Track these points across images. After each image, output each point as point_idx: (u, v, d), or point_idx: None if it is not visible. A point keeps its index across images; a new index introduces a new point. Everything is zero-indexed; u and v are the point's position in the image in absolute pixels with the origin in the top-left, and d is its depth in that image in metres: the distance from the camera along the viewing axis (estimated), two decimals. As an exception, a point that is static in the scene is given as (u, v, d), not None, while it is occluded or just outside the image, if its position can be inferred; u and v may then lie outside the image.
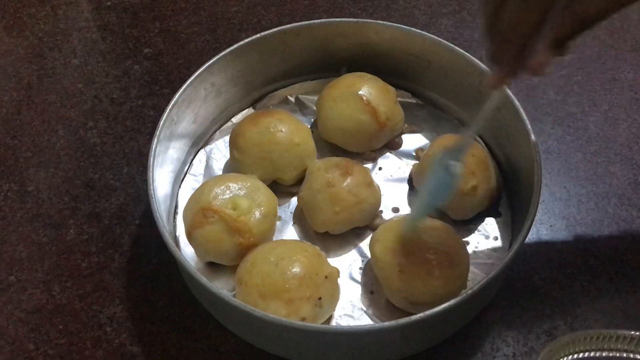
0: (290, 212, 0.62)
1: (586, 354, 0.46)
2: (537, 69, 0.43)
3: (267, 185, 0.59)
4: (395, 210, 0.61)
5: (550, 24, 0.41)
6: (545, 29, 0.41)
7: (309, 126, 0.67)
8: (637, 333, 0.46)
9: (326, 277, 0.52)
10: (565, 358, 0.46)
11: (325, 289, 0.51)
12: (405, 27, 0.65)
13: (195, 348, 0.54)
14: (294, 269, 0.51)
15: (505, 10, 0.41)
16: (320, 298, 0.51)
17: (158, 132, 0.57)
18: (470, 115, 0.66)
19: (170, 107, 0.59)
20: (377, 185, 0.60)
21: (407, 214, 0.59)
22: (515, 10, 0.41)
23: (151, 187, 0.54)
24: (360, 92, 0.62)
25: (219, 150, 0.66)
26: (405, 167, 0.65)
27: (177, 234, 0.59)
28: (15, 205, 0.64)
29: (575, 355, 0.46)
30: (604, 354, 0.46)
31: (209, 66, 0.63)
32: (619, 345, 0.46)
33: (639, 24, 0.79)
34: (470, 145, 0.53)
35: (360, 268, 0.57)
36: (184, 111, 0.61)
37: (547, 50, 0.42)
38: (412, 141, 0.67)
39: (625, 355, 0.46)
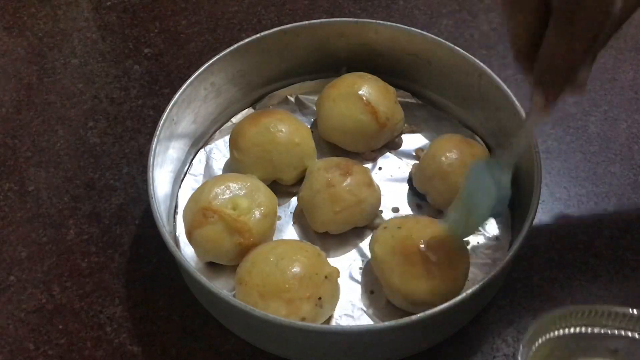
0: (290, 212, 0.62)
1: (572, 330, 0.46)
2: (583, 90, 0.41)
3: (267, 185, 0.59)
4: (395, 210, 0.61)
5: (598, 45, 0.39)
6: (594, 52, 0.40)
7: (309, 126, 0.67)
8: (622, 309, 0.46)
9: (326, 277, 0.52)
10: (553, 333, 0.46)
11: (325, 288, 0.51)
12: (405, 27, 0.65)
13: (195, 348, 0.54)
14: (294, 269, 0.51)
15: (549, 37, 0.39)
16: (320, 298, 0.51)
17: (158, 132, 0.57)
18: (470, 115, 0.66)
19: (170, 107, 0.59)
20: (377, 185, 0.60)
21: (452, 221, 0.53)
22: (564, 38, 0.38)
23: (151, 187, 0.54)
24: (360, 92, 0.62)
25: (219, 150, 0.66)
26: (405, 167, 0.65)
27: (177, 234, 0.59)
28: (15, 205, 0.64)
29: (562, 331, 0.46)
30: (588, 330, 0.46)
31: (209, 66, 0.63)
32: (604, 321, 0.46)
33: (639, 24, 0.79)
34: (518, 154, 0.49)
35: (360, 268, 0.57)
36: (184, 111, 0.61)
37: (589, 67, 0.41)
38: (412, 141, 0.67)
39: (610, 331, 0.46)
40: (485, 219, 0.52)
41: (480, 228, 0.57)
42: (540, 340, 0.46)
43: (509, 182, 0.48)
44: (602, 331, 0.46)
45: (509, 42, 0.42)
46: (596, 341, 0.46)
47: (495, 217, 0.52)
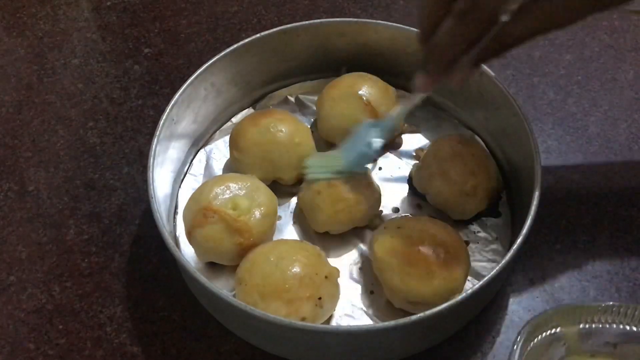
0: (290, 212, 0.62)
1: (570, 327, 0.47)
2: (459, 84, 0.47)
3: (267, 185, 0.59)
4: (395, 210, 0.61)
5: (477, 47, 0.44)
6: (475, 50, 0.45)
7: (309, 126, 0.67)
8: (618, 304, 0.47)
9: (326, 277, 0.52)
10: (548, 332, 0.46)
11: (326, 288, 0.51)
12: (405, 27, 0.65)
13: (195, 348, 0.54)
14: (294, 269, 0.51)
15: (442, 28, 0.44)
16: (320, 298, 0.51)
17: (158, 132, 0.57)
18: (470, 115, 0.66)
19: (170, 107, 0.59)
20: (377, 185, 0.60)
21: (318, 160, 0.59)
22: (452, 31, 0.43)
23: (151, 187, 0.54)
24: (360, 92, 0.62)
25: (219, 150, 0.66)
26: (405, 167, 0.65)
27: (177, 234, 0.59)
28: (15, 205, 0.64)
29: (559, 329, 0.47)
30: (587, 326, 0.47)
31: (209, 66, 0.63)
32: (602, 316, 0.47)
33: (639, 24, 0.79)
34: (397, 121, 0.57)
35: (360, 268, 0.57)
36: (184, 111, 0.61)
37: (470, 67, 0.46)
38: (412, 141, 0.67)
39: (607, 325, 0.47)
40: (344, 166, 0.56)
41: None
42: (537, 338, 0.46)
43: (378, 146, 0.55)
44: (600, 326, 0.47)
45: (416, 23, 0.47)
46: (595, 337, 0.47)
47: (358, 170, 0.57)
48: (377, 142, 0.55)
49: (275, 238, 0.59)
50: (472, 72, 0.47)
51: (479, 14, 0.42)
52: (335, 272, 0.53)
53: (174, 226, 0.60)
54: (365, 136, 0.55)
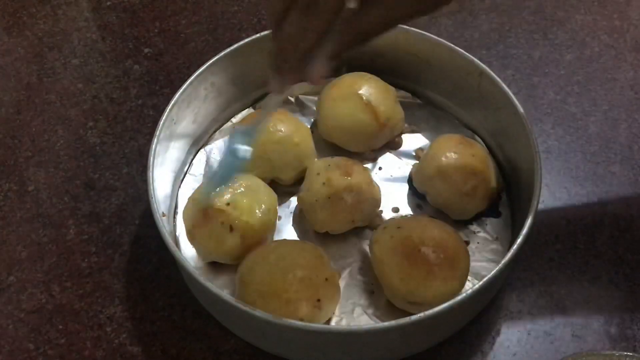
0: (290, 212, 0.62)
1: None
2: (315, 79, 0.44)
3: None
4: (395, 210, 0.61)
5: (330, 40, 0.42)
6: (324, 45, 0.42)
7: (309, 126, 0.67)
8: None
9: (326, 279, 0.52)
10: None
11: (325, 290, 0.51)
12: (405, 27, 0.65)
13: (195, 348, 0.54)
14: (295, 270, 0.50)
15: (287, 21, 0.41)
16: (319, 300, 0.50)
17: (158, 132, 0.57)
18: (470, 115, 0.66)
19: (170, 107, 0.59)
20: (377, 185, 0.60)
21: (201, 187, 0.58)
22: (296, 25, 0.41)
23: (151, 187, 0.54)
24: (360, 92, 0.62)
25: (219, 150, 0.66)
26: (405, 167, 0.65)
27: (177, 234, 0.59)
28: (15, 205, 0.64)
29: None
30: None
31: (209, 66, 0.62)
32: None
33: (639, 24, 0.79)
34: (262, 127, 0.53)
35: (360, 268, 0.57)
36: (184, 111, 0.61)
37: (325, 61, 0.43)
38: (412, 141, 0.67)
39: None
40: (221, 182, 0.53)
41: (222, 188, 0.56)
42: None
43: (246, 154, 0.50)
44: None
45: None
46: None
47: (229, 181, 0.54)
48: (246, 150, 0.51)
49: (275, 238, 0.59)
50: (329, 66, 0.44)
51: (322, 3, 0.40)
52: (336, 275, 0.53)
53: (174, 226, 0.60)
54: (231, 147, 0.51)
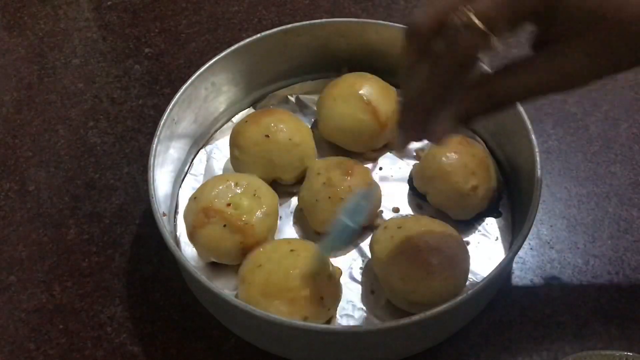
0: (290, 212, 0.62)
1: None
2: (437, 137, 0.41)
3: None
4: (396, 210, 0.61)
5: (456, 98, 0.40)
6: (461, 105, 0.40)
7: (310, 126, 0.67)
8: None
9: (329, 276, 0.52)
10: None
11: (328, 288, 0.51)
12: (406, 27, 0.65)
13: (195, 348, 0.54)
14: (297, 269, 0.51)
15: (416, 73, 0.40)
16: (322, 298, 0.51)
17: (158, 131, 0.57)
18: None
19: (170, 106, 0.59)
20: (377, 185, 0.60)
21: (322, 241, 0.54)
22: (423, 78, 0.39)
23: (151, 187, 0.54)
24: (361, 92, 0.62)
25: (220, 150, 0.66)
26: (405, 167, 0.65)
27: (177, 234, 0.59)
28: (16, 205, 0.64)
29: None
30: None
31: (210, 66, 0.63)
32: None
33: (639, 24, 0.79)
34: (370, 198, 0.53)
35: (361, 268, 0.58)
36: (185, 111, 0.61)
37: (451, 121, 0.40)
38: (413, 141, 0.67)
39: None
40: (327, 247, 0.52)
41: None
42: None
43: (356, 225, 0.50)
44: None
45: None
46: None
47: (330, 250, 0.53)
48: (357, 221, 0.50)
49: (275, 238, 0.59)
50: (455, 126, 0.41)
51: (454, 55, 0.37)
52: (338, 272, 0.54)
53: (174, 226, 0.60)
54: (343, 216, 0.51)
